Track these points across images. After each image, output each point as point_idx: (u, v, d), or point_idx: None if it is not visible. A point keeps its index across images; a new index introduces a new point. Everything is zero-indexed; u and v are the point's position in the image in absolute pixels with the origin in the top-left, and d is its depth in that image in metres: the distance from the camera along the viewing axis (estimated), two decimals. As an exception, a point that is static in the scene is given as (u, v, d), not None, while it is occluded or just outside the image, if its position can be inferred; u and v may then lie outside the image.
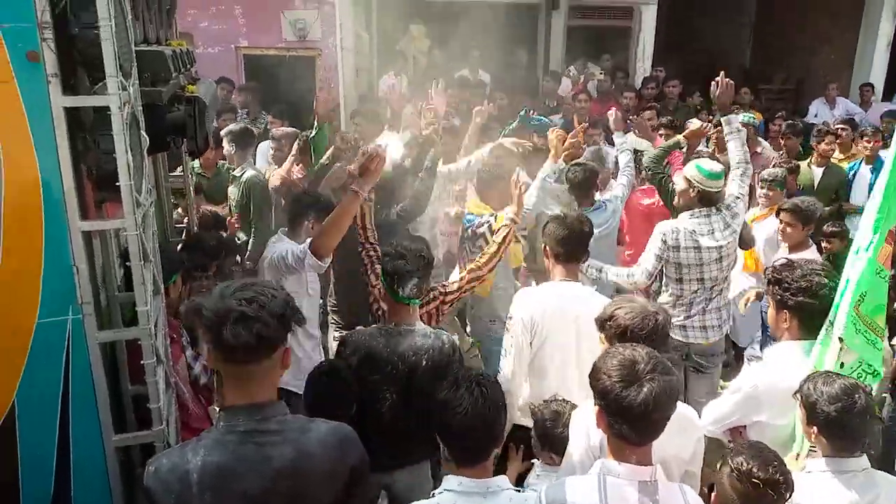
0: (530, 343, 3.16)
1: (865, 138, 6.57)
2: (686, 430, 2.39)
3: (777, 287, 2.76)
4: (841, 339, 2.49)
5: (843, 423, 2.24)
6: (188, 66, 3.31)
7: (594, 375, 1.96)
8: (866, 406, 2.25)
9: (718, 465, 2.20)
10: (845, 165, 6.67)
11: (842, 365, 2.50)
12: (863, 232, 2.57)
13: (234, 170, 5.34)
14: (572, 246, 3.26)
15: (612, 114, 5.41)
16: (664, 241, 3.91)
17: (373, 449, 2.51)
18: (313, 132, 5.24)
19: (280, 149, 5.70)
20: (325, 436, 1.84)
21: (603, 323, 2.48)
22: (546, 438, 2.70)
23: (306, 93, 8.69)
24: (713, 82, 4.27)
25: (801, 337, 2.71)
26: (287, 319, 1.74)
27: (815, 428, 2.30)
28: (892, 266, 2.56)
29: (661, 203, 4.87)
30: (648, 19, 9.98)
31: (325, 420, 1.92)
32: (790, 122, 7.34)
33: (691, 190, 3.95)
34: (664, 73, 9.03)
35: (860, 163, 6.57)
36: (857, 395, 2.24)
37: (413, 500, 2.75)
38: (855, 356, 2.51)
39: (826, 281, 2.69)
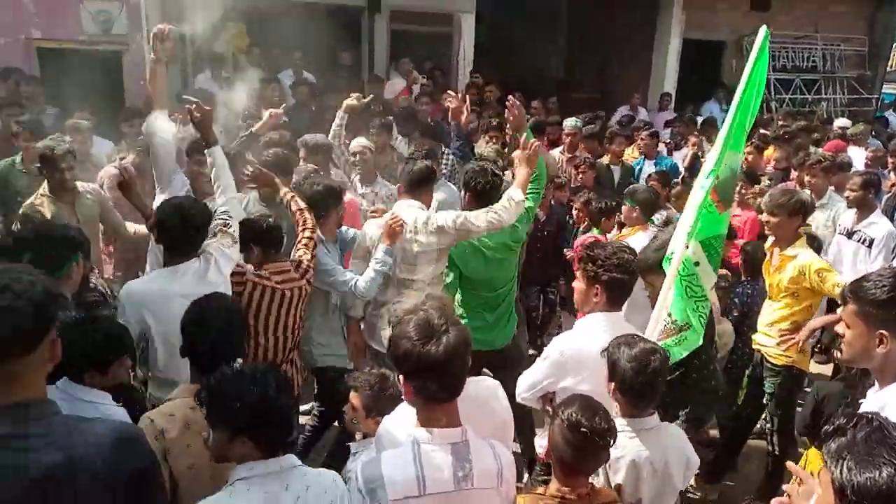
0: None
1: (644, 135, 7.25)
2: (488, 401, 2.42)
3: (591, 264, 2.90)
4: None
5: (636, 382, 2.42)
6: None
7: (393, 345, 1.95)
8: (659, 369, 2.43)
9: (550, 419, 2.28)
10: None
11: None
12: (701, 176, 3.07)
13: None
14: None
15: None
16: None
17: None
18: None
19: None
20: (100, 437, 1.65)
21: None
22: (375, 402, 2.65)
23: (112, 89, 8.02)
24: (506, 105, 3.97)
25: (608, 309, 2.88)
26: (48, 308, 1.56)
27: (612, 384, 2.47)
28: None
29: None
30: (468, 28, 10.36)
31: (104, 419, 1.72)
32: (589, 125, 7.77)
33: None
34: (481, 80, 9.37)
35: (642, 160, 7.17)
36: (652, 358, 2.42)
37: None
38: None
39: (632, 258, 2.95)
